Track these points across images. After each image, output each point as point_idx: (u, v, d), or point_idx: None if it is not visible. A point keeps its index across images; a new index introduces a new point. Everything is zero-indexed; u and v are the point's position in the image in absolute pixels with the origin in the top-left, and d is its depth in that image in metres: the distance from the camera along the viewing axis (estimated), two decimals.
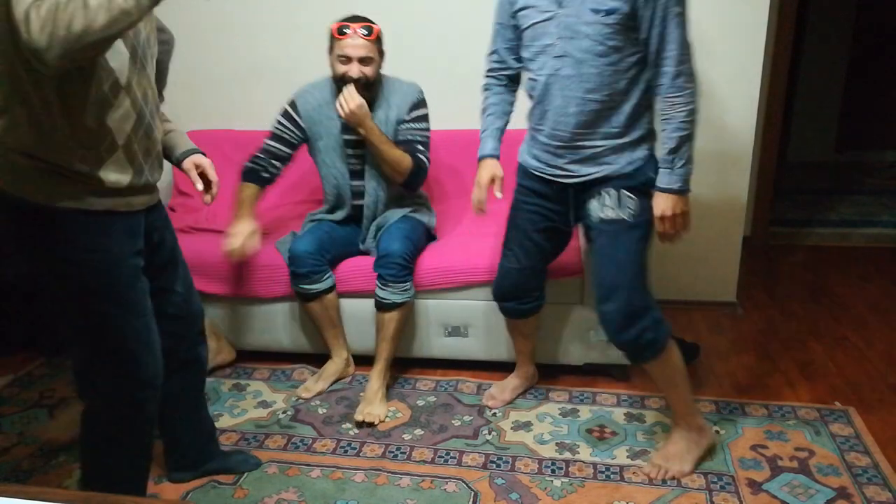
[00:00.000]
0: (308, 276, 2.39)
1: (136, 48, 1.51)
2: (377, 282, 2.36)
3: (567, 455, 2.10)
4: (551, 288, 2.40)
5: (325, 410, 2.37)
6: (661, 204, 1.83)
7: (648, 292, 1.92)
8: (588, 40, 1.76)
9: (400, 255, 2.35)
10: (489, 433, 2.21)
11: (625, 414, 2.29)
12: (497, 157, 2.15)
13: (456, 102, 2.95)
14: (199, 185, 1.80)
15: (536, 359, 2.50)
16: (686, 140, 1.78)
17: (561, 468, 2.04)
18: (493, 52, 2.07)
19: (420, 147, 2.44)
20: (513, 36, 1.97)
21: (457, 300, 2.48)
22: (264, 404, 2.41)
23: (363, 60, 2.33)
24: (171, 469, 2.03)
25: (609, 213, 1.89)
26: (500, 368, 2.56)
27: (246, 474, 2.04)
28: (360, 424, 2.28)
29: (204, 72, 3.29)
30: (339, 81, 2.35)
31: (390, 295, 2.35)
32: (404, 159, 2.38)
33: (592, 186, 1.92)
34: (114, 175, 1.50)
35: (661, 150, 1.83)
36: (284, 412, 2.36)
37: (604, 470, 2.02)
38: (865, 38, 5.34)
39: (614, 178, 1.88)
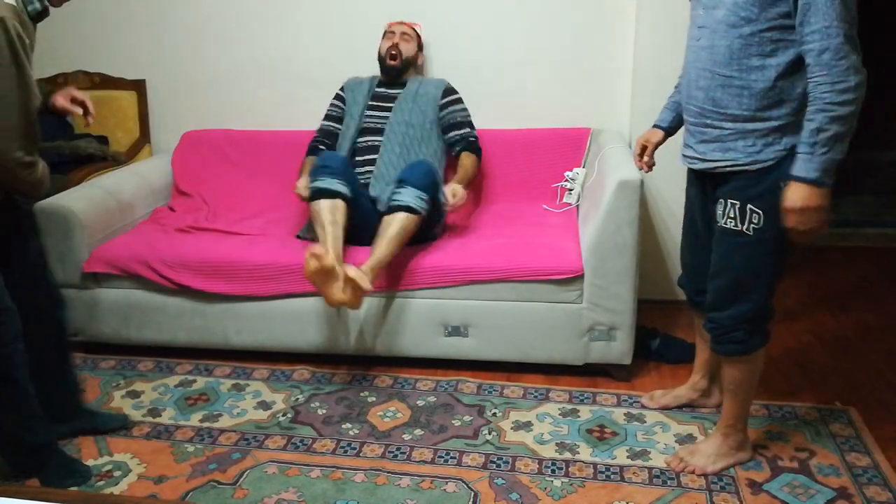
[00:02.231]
0: (336, 173, 2.44)
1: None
2: (396, 185, 2.49)
3: (567, 455, 2.09)
4: (551, 288, 2.41)
5: (324, 411, 2.37)
6: (791, 194, 1.63)
7: (763, 303, 1.82)
8: (724, 9, 1.66)
9: (430, 168, 2.53)
10: (489, 433, 2.21)
11: (625, 414, 2.29)
12: (663, 129, 2.07)
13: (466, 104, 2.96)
14: (79, 110, 1.94)
15: (535, 358, 2.50)
16: (831, 123, 1.56)
17: (561, 468, 2.04)
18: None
19: (468, 128, 2.83)
20: None
21: (457, 300, 2.47)
22: (264, 405, 2.41)
23: (404, 36, 2.84)
24: (52, 419, 2.16)
25: (730, 224, 1.77)
26: (501, 368, 2.56)
27: (246, 474, 2.04)
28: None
29: (203, 72, 3.29)
30: (384, 58, 2.85)
31: (408, 198, 2.42)
32: (475, 166, 2.78)
33: (719, 185, 1.80)
34: None
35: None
36: (284, 413, 2.36)
37: (604, 470, 2.02)
38: (865, 38, 5.33)
39: (741, 175, 1.73)
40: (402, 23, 2.90)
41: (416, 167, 2.52)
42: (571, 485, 1.97)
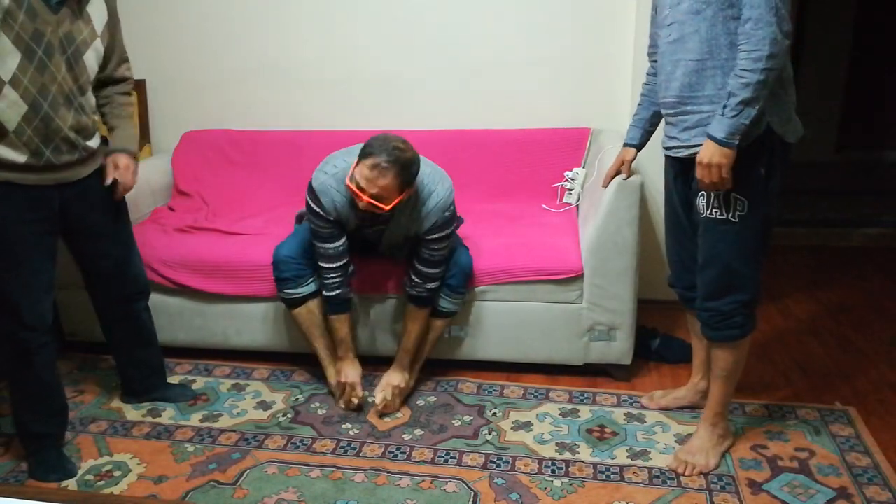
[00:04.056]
0: (293, 281, 2.34)
1: (35, 48, 1.78)
2: (441, 291, 2.35)
3: (567, 455, 2.09)
4: (551, 288, 2.41)
5: (324, 411, 2.37)
6: (702, 149, 1.73)
7: (757, 286, 1.88)
8: (686, 0, 1.76)
9: (469, 267, 2.39)
10: (489, 433, 2.21)
11: (625, 414, 2.29)
12: (635, 146, 2.18)
13: (454, 101, 2.96)
14: (108, 181, 2.05)
15: (535, 358, 2.50)
16: (742, 89, 1.64)
17: (561, 468, 2.04)
18: (649, 37, 2.06)
19: (437, 269, 2.30)
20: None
21: None
22: (264, 405, 2.41)
23: (374, 204, 2.08)
24: (123, 394, 2.46)
25: (715, 214, 1.83)
26: (501, 368, 2.56)
27: (246, 474, 2.04)
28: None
29: (204, 72, 3.29)
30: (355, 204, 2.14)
31: (451, 305, 2.38)
32: (419, 334, 2.40)
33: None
34: (10, 154, 1.83)
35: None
36: (284, 413, 2.36)
37: (604, 470, 2.02)
38: (865, 38, 5.34)
39: None
40: (377, 173, 2.03)
41: (459, 269, 2.35)
42: (571, 485, 1.97)
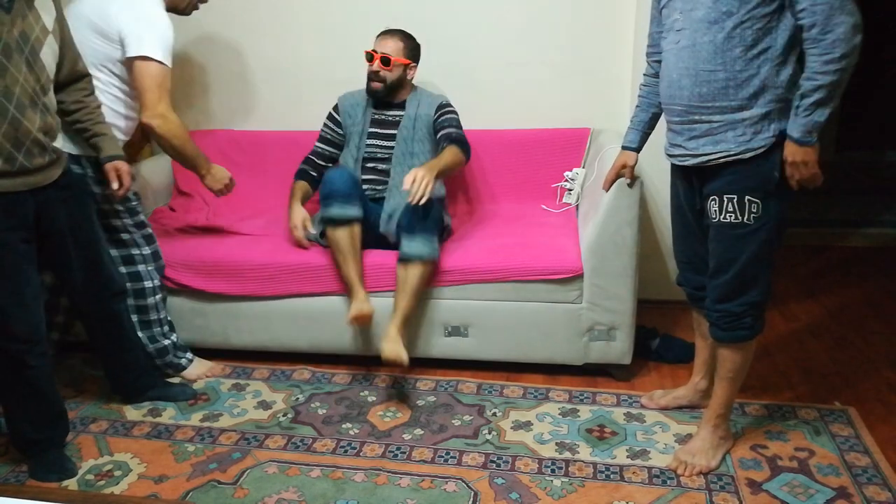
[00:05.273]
0: (343, 198, 2.43)
1: None
2: (402, 234, 2.40)
3: (567, 455, 2.10)
4: (551, 288, 2.41)
5: (325, 411, 2.37)
6: (786, 149, 1.72)
7: (766, 285, 1.87)
8: (703, 8, 1.72)
9: (439, 216, 2.51)
10: (489, 433, 2.21)
11: (625, 414, 2.29)
12: (634, 149, 2.16)
13: (454, 101, 2.95)
14: (115, 185, 2.12)
15: (535, 358, 2.50)
16: (816, 90, 1.63)
17: (561, 468, 2.04)
18: (648, 37, 2.04)
19: (454, 129, 2.65)
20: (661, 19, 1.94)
21: (457, 300, 2.48)
22: (264, 404, 2.42)
23: (385, 61, 2.61)
24: (121, 398, 2.45)
25: (730, 218, 1.81)
26: (500, 368, 2.56)
27: (246, 473, 2.04)
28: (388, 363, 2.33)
29: (205, 72, 3.29)
30: (368, 81, 2.67)
31: (421, 248, 2.36)
32: (456, 155, 2.54)
33: (709, 181, 1.84)
34: None
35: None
36: (284, 413, 2.36)
37: (604, 470, 2.02)
38: (865, 38, 5.33)
39: (735, 166, 1.77)
40: (386, 36, 2.65)
41: (417, 213, 2.40)
42: (571, 484, 1.97)
